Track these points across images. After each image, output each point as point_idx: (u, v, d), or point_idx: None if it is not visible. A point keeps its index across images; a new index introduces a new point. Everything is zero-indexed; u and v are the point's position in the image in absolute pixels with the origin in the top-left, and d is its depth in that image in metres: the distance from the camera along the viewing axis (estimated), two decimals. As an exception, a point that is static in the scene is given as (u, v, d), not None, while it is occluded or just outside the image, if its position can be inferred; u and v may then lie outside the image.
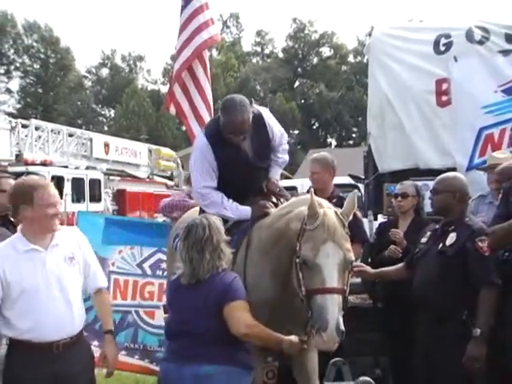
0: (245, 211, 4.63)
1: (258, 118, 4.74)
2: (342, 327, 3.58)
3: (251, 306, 3.85)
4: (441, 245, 4.30)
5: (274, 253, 4.12)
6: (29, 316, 3.64)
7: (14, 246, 3.76)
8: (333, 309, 3.59)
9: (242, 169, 4.65)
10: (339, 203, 5.65)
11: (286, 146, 5.09)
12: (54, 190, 3.86)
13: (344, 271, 3.75)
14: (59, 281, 3.76)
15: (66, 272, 3.82)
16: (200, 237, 3.71)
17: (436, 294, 4.18)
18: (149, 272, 6.37)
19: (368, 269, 4.84)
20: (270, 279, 4.13)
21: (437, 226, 4.54)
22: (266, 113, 4.87)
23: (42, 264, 3.73)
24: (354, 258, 3.85)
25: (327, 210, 3.89)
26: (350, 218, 3.94)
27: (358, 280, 5.98)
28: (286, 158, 5.05)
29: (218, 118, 4.70)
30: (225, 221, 4.48)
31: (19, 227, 3.90)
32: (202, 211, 4.71)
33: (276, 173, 4.94)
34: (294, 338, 3.75)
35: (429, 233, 4.58)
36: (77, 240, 4.02)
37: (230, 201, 4.67)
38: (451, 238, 4.26)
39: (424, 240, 4.56)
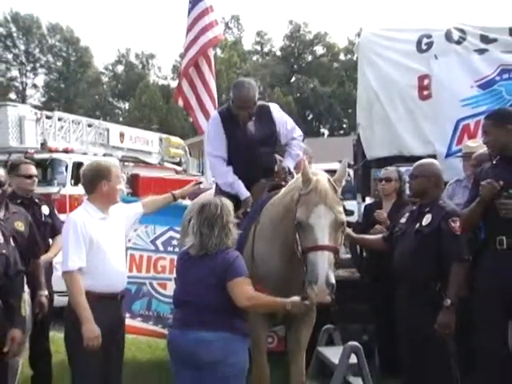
0: (241, 193, 4.63)
1: (265, 108, 4.80)
2: (333, 281, 3.57)
3: (261, 279, 3.88)
4: (417, 225, 4.30)
5: (282, 227, 4.09)
6: (102, 271, 3.97)
7: (89, 213, 4.08)
8: (323, 264, 3.59)
9: (245, 148, 4.67)
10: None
11: (302, 144, 5.06)
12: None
13: (335, 231, 3.75)
14: (119, 243, 4.19)
15: (120, 236, 4.25)
16: (212, 214, 3.69)
17: (413, 269, 4.20)
18: (161, 248, 6.39)
19: (351, 233, 4.83)
20: (280, 252, 4.11)
21: (414, 208, 4.53)
22: (274, 107, 4.89)
23: (110, 230, 4.11)
24: (345, 220, 3.82)
25: (320, 176, 3.88)
26: (343, 183, 3.94)
27: (348, 256, 6.02)
28: (300, 153, 5.00)
29: (229, 104, 4.77)
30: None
31: (85, 198, 4.23)
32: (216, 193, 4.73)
33: (289, 162, 4.87)
34: (296, 298, 3.69)
35: (407, 214, 4.57)
36: (120, 210, 4.33)
37: (236, 177, 4.68)
38: (427, 219, 4.27)
39: (403, 220, 4.55)
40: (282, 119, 4.89)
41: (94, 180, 4.13)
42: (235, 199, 4.50)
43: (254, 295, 3.64)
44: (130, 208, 4.54)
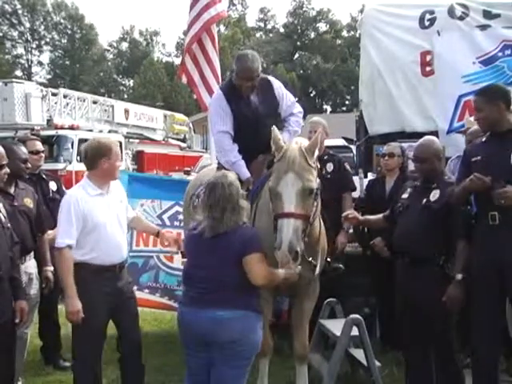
0: (241, 174, 4.52)
1: (266, 81, 4.77)
2: (296, 247, 3.59)
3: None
4: (424, 200, 4.24)
5: None
6: (100, 245, 4.08)
7: (86, 189, 4.16)
8: (287, 231, 3.61)
9: (250, 120, 4.62)
10: (330, 159, 5.70)
11: (300, 120, 4.96)
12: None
13: (304, 199, 3.74)
14: (117, 218, 4.24)
15: (119, 211, 4.30)
16: (221, 195, 3.56)
17: (419, 243, 4.13)
18: (168, 223, 6.40)
19: (358, 215, 4.78)
20: None
21: (416, 183, 4.48)
22: (275, 81, 4.86)
23: (107, 205, 4.18)
24: (314, 187, 3.80)
25: (292, 144, 3.87)
26: (316, 152, 3.91)
27: (351, 231, 6.02)
28: (298, 130, 4.91)
29: (231, 80, 4.75)
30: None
31: (85, 174, 4.27)
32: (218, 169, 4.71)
33: (286, 138, 4.68)
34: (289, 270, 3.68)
35: (409, 189, 4.53)
36: (120, 188, 4.46)
37: (239, 157, 4.63)
38: (434, 195, 4.19)
39: (405, 195, 4.49)
40: (283, 93, 4.85)
41: (94, 157, 4.17)
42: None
43: (270, 273, 3.58)
44: (128, 209, 4.58)
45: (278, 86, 4.84)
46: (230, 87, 4.72)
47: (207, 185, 3.71)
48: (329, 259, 4.53)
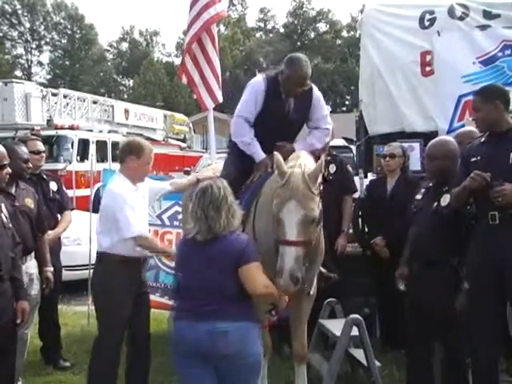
0: (257, 155, 4.57)
1: (309, 88, 4.70)
2: (297, 274, 3.58)
3: (263, 254, 3.72)
4: (435, 204, 4.20)
5: None
6: None
7: (127, 184, 4.34)
8: (288, 259, 3.60)
9: (277, 122, 4.56)
10: (332, 160, 5.71)
11: (325, 137, 4.89)
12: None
13: (306, 227, 3.70)
14: (144, 212, 4.48)
15: (145, 206, 4.53)
16: (216, 196, 3.44)
17: (430, 247, 4.12)
18: (167, 222, 6.40)
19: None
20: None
21: (430, 185, 4.46)
22: (316, 91, 4.79)
23: (140, 199, 4.39)
24: (317, 216, 3.77)
25: (295, 170, 3.81)
26: (319, 180, 3.86)
27: (350, 231, 6.03)
28: (316, 146, 4.78)
29: (277, 75, 4.65)
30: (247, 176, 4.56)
31: (117, 170, 4.50)
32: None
33: (299, 147, 4.60)
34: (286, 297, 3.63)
35: (422, 190, 4.48)
36: (145, 184, 4.57)
37: (254, 139, 4.61)
38: (445, 199, 4.15)
39: (419, 197, 4.45)
40: (319, 103, 4.77)
41: (123, 152, 4.38)
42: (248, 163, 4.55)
43: (269, 283, 3.45)
44: (157, 183, 4.84)
45: (317, 96, 4.76)
46: (274, 81, 4.61)
47: (198, 189, 3.57)
48: (323, 269, 4.49)
